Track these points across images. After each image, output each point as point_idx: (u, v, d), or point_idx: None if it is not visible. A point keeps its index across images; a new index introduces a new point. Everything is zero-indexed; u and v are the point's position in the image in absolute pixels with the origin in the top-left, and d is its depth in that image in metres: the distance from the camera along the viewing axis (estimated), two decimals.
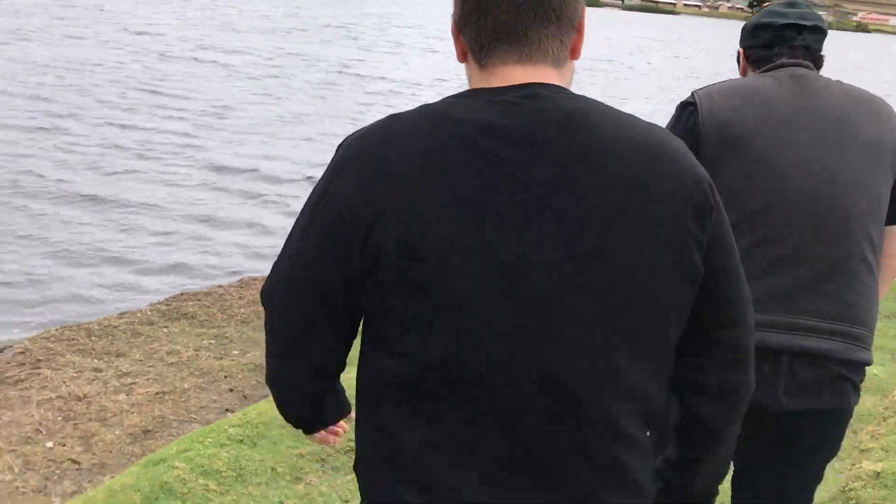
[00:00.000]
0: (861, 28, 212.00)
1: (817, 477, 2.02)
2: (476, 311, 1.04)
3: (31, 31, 20.92)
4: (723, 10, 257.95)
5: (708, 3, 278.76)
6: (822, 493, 3.12)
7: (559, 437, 1.06)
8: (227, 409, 4.32)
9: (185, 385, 4.65)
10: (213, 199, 8.92)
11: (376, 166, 1.05)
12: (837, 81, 1.90)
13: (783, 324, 1.73)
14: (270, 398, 3.57)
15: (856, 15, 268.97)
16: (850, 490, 2.90)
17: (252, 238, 7.92)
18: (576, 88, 1.17)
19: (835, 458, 3.46)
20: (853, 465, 3.19)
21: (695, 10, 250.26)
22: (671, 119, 1.87)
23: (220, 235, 7.85)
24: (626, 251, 1.06)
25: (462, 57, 1.15)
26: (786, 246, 1.74)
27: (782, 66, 1.85)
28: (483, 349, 1.04)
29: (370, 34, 36.90)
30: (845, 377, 1.79)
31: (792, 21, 1.87)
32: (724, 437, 1.24)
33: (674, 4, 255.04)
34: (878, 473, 2.90)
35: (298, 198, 9.20)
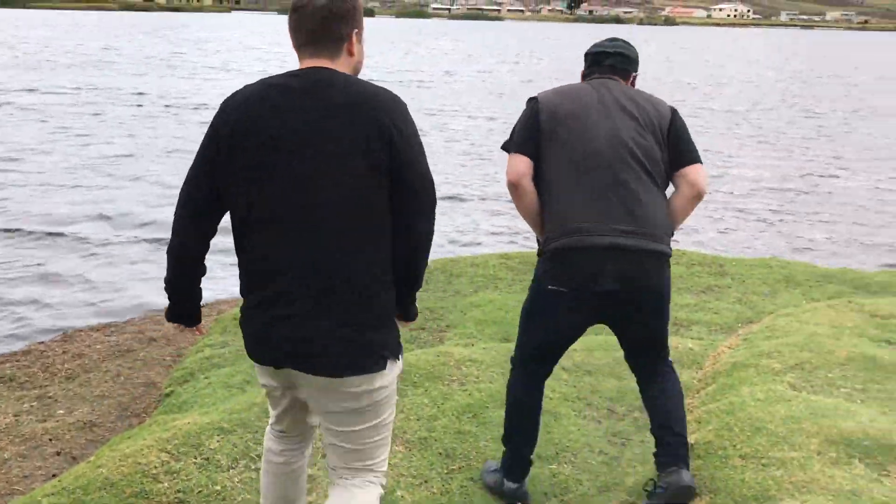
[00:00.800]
0: (669, 21, 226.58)
1: (660, 335, 2.97)
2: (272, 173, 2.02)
3: None
4: (544, 12, 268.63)
5: (530, 8, 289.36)
6: (645, 470, 3.29)
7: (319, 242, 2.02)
8: (53, 475, 4.04)
9: (5, 455, 4.32)
10: (16, 255, 8.35)
11: (225, 108, 2.08)
12: (627, 86, 2.97)
13: (603, 230, 2.70)
14: (90, 460, 3.38)
15: (664, 10, 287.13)
16: None
17: (65, 291, 7.46)
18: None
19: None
20: None
21: (518, 15, 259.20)
22: (525, 108, 2.92)
23: (27, 292, 7.36)
24: (337, 150, 1.98)
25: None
26: (602, 176, 2.75)
27: (595, 77, 2.97)
28: (279, 196, 2.02)
29: (189, 62, 35.84)
30: (647, 262, 2.73)
31: (601, 50, 3.01)
32: (416, 263, 2.15)
33: (498, 10, 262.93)
34: (692, 445, 3.08)
35: (110, 249, 8.81)
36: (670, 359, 3.08)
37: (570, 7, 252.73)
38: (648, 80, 35.59)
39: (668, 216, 2.82)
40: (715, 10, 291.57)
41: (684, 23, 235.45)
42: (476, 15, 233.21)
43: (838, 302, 4.55)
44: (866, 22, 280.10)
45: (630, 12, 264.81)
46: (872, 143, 19.59)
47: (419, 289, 2.25)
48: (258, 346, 2.09)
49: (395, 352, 2.11)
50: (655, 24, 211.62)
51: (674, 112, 2.88)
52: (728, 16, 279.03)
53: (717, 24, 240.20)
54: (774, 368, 3.63)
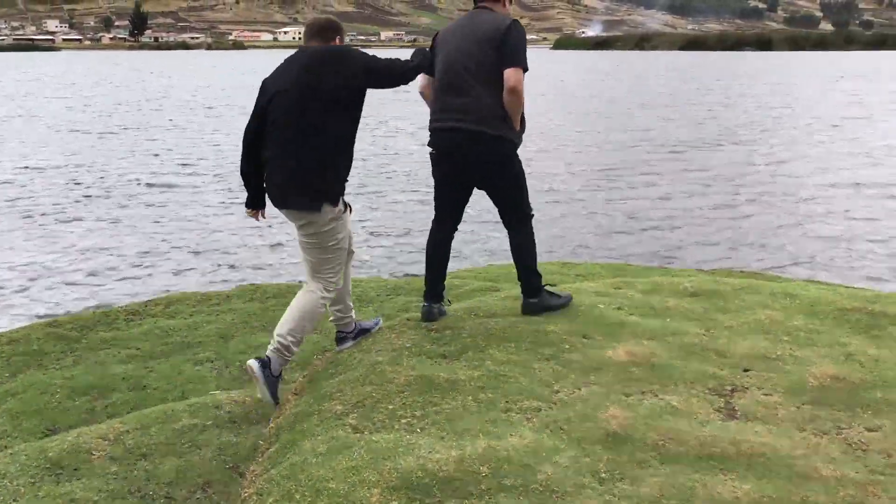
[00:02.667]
0: (238, 46, 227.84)
1: (506, 198, 4.40)
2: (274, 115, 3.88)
3: None
4: (105, 41, 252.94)
5: (89, 36, 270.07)
6: None
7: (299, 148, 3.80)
8: None
9: None
10: None
11: (269, 74, 4.01)
12: (491, 15, 4.24)
13: (439, 118, 4.24)
14: None
15: (231, 35, 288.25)
16: None
17: None
18: None
19: None
20: None
21: (76, 45, 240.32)
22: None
23: None
24: (324, 86, 3.78)
25: None
26: (445, 82, 4.20)
27: (477, 6, 4.33)
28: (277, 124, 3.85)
29: None
30: (463, 138, 4.14)
31: None
32: None
33: (53, 41, 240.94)
34: None
35: None
36: (528, 222, 4.45)
37: (132, 34, 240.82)
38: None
39: (495, 107, 4.08)
40: (280, 33, 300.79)
41: (252, 46, 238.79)
42: (26, 46, 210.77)
43: (397, 322, 4.53)
44: (415, 40, 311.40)
45: (197, 38, 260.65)
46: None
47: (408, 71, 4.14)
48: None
49: (332, 200, 3.82)
50: (224, 49, 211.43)
51: (509, 26, 4.10)
52: (293, 38, 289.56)
53: (285, 47, 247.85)
54: (337, 411, 3.41)
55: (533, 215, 4.48)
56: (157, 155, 22.42)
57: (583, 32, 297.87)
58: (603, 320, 4.41)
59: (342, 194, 3.92)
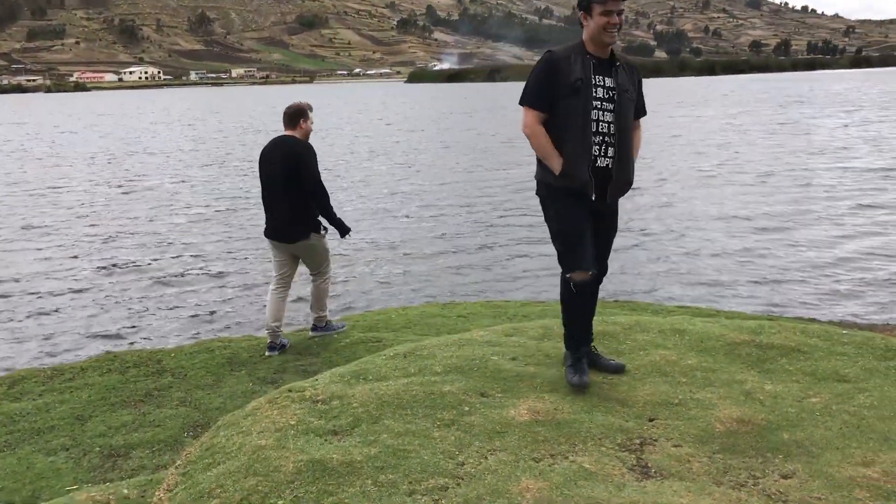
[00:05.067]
0: (80, 87, 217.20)
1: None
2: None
3: None
4: None
5: None
6: None
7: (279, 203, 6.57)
8: None
9: None
10: None
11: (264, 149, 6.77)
12: None
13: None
14: None
15: (72, 76, 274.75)
16: None
17: None
18: None
19: None
20: None
21: None
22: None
23: None
24: (281, 165, 6.45)
25: None
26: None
27: None
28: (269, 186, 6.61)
29: None
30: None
31: None
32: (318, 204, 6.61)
33: None
34: None
35: None
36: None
37: None
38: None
39: None
40: (125, 73, 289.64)
41: (96, 87, 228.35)
42: None
43: (278, 394, 4.14)
44: (268, 77, 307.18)
45: (34, 80, 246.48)
46: None
47: (325, 211, 6.48)
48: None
49: (316, 230, 6.49)
50: (65, 91, 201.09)
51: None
52: (139, 78, 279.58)
53: (132, 87, 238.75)
54: None
55: (568, 277, 3.98)
56: None
57: (435, 65, 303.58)
58: (499, 374, 4.19)
59: (319, 225, 6.52)
